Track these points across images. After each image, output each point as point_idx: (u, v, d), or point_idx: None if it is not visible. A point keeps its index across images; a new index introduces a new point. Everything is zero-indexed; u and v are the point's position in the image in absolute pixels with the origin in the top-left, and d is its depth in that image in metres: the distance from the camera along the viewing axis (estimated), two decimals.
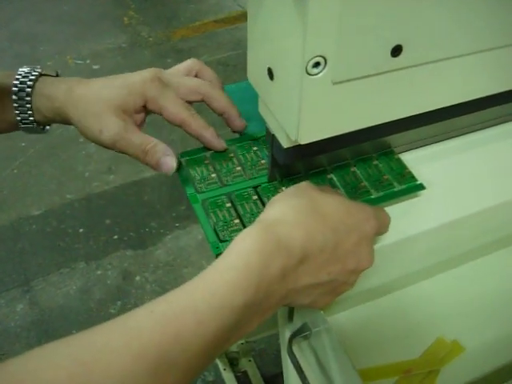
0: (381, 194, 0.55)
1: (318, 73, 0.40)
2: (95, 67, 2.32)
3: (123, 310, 1.45)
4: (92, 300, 1.49)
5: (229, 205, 0.53)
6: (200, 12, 2.66)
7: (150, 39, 2.48)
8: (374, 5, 0.38)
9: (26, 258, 1.61)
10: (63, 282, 1.55)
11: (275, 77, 0.44)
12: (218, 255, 0.48)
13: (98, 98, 0.55)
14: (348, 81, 0.42)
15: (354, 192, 0.55)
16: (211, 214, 0.52)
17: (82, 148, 1.92)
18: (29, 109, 0.58)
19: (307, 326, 0.53)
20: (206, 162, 0.57)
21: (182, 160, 0.57)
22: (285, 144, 0.47)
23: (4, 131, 0.62)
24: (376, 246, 0.50)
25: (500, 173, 0.60)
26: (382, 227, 0.49)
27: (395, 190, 0.55)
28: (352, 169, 0.57)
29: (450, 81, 0.47)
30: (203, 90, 0.58)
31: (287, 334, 0.58)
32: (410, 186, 0.56)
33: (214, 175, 0.56)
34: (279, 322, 0.60)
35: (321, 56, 0.39)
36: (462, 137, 0.63)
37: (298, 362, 0.53)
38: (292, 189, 0.47)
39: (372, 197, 0.55)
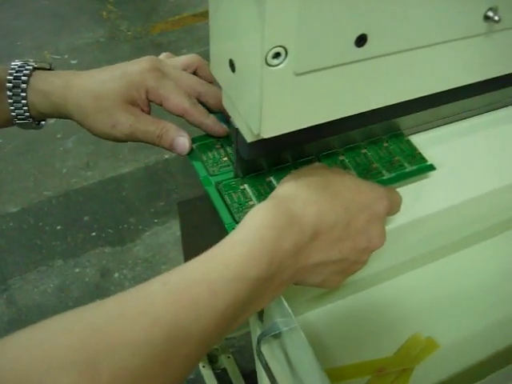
0: (392, 174, 0.56)
1: (279, 64, 0.38)
2: (73, 62, 2.28)
3: None
4: (70, 298, 1.47)
5: (243, 187, 0.53)
6: (179, 6, 2.62)
7: (129, 33, 2.45)
8: None
9: (2, 257, 1.58)
10: (41, 281, 1.52)
11: (237, 69, 0.42)
12: None
13: (103, 93, 0.55)
14: (311, 72, 0.40)
15: (366, 173, 0.55)
16: (225, 197, 0.52)
17: (60, 144, 1.89)
18: (24, 104, 0.57)
19: (276, 326, 0.51)
20: (217, 146, 0.57)
21: (194, 146, 0.57)
22: (248, 138, 0.45)
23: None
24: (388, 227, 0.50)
25: (509, 154, 0.61)
26: (394, 207, 0.49)
27: (406, 170, 0.56)
28: (363, 151, 0.57)
29: (417, 71, 0.46)
30: (201, 88, 0.58)
31: (258, 333, 0.57)
32: (421, 167, 0.57)
33: (225, 158, 0.56)
34: (250, 322, 0.59)
35: (281, 46, 0.37)
36: (470, 119, 0.64)
37: (266, 361, 0.51)
38: (304, 168, 0.48)
39: (384, 178, 0.55)
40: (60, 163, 1.84)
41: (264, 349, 0.54)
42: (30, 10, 2.62)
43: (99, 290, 1.46)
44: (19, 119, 0.58)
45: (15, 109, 0.57)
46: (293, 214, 0.41)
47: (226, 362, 1.21)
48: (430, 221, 0.55)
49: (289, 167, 0.54)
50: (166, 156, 1.81)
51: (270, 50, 0.37)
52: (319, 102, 0.43)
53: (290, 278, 0.42)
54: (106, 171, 1.79)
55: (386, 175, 0.55)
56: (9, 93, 0.56)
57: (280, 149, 0.52)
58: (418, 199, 0.55)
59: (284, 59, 0.38)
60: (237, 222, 0.50)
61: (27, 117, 0.58)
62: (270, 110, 0.41)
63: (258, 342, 0.52)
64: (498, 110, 0.65)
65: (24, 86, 0.56)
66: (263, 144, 0.46)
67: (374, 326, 0.60)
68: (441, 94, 0.50)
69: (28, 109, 0.57)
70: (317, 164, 0.51)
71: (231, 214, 0.51)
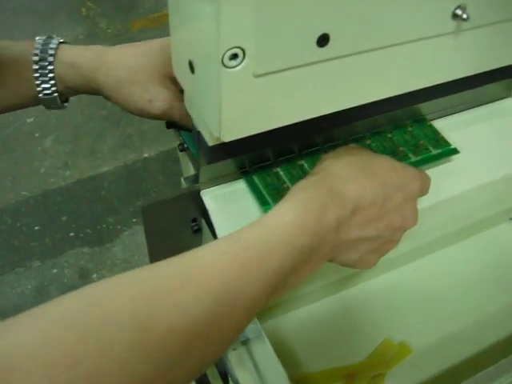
0: (419, 157, 0.57)
1: (237, 65, 0.37)
2: None
3: None
4: (48, 299, 1.43)
5: (276, 170, 0.53)
6: (159, 3, 2.59)
7: (109, 31, 2.42)
8: None
9: None
10: (18, 282, 1.50)
11: (195, 70, 0.40)
12: None
13: (139, 66, 0.54)
14: (271, 73, 0.38)
15: (393, 156, 0.56)
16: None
17: (38, 143, 1.86)
18: (51, 78, 0.56)
19: (244, 333, 0.50)
20: None
21: None
22: (209, 141, 0.44)
23: (20, 106, 0.59)
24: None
25: None
26: (425, 188, 0.49)
27: (432, 153, 0.58)
28: (389, 135, 0.59)
29: (383, 72, 0.44)
30: None
31: None
32: (446, 150, 0.58)
33: None
34: None
35: (238, 47, 0.36)
36: (489, 104, 0.66)
37: (231, 368, 0.50)
38: (341, 149, 0.50)
39: (411, 160, 0.56)
40: (38, 163, 1.82)
41: (232, 355, 0.53)
42: (6, 8, 2.58)
43: None
44: (45, 95, 0.56)
45: (41, 83, 0.55)
46: (335, 190, 0.42)
47: None
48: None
49: (318, 151, 0.55)
50: (146, 155, 1.79)
51: (227, 51, 0.35)
52: (281, 104, 0.41)
53: (329, 251, 0.43)
54: (84, 170, 1.77)
55: (413, 158, 0.57)
56: (35, 66, 0.55)
57: (238, 153, 0.50)
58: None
59: (242, 60, 0.36)
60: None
61: (53, 91, 0.56)
62: (229, 113, 0.39)
63: None
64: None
65: (51, 58, 0.55)
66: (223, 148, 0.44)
67: (345, 330, 0.59)
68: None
69: (55, 83, 0.56)
70: (351, 145, 0.53)
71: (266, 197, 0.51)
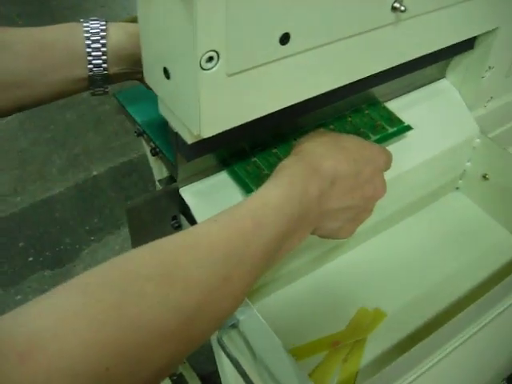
0: (378, 136, 0.63)
1: (212, 67, 0.41)
2: None
3: None
4: None
5: (254, 159, 0.58)
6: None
7: None
8: None
9: None
10: None
11: (172, 76, 0.44)
12: None
13: None
14: (241, 72, 0.43)
15: None
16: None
17: None
18: (104, 53, 0.56)
19: (233, 315, 0.54)
20: None
21: None
22: (189, 140, 0.48)
23: (71, 92, 0.59)
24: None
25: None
26: (389, 162, 0.55)
27: (389, 132, 0.64)
28: (349, 119, 0.65)
29: (337, 62, 0.49)
30: None
31: None
32: (400, 128, 0.65)
33: None
34: None
35: (213, 50, 0.40)
36: (426, 86, 0.73)
37: (229, 351, 0.54)
38: (312, 133, 0.55)
39: (371, 139, 0.63)
40: None
41: (224, 339, 0.56)
42: None
43: None
44: (95, 73, 0.57)
45: (93, 59, 0.56)
46: (314, 166, 0.48)
47: (182, 368, 1.23)
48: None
49: (289, 139, 0.60)
50: (95, 173, 1.80)
51: (204, 55, 0.39)
52: (253, 98, 0.46)
53: (315, 220, 0.48)
54: (35, 194, 1.76)
55: (373, 137, 0.63)
56: (87, 41, 0.55)
57: (216, 148, 0.54)
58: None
59: (217, 62, 0.41)
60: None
61: (105, 69, 0.57)
62: (207, 111, 0.43)
63: (218, 333, 0.55)
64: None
65: (104, 33, 0.55)
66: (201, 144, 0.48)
67: (325, 304, 0.64)
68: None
69: (106, 58, 0.56)
70: (321, 129, 0.58)
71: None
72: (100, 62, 0.57)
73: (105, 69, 0.57)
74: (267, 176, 0.52)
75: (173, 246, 0.40)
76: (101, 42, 0.56)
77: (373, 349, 0.60)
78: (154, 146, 0.60)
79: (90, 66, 0.56)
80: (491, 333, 0.56)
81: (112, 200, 1.75)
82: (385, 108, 0.67)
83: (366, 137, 0.62)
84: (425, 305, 0.64)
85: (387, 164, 0.54)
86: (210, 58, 0.40)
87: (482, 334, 0.53)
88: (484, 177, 0.74)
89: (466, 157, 0.74)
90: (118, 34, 0.57)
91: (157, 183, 0.61)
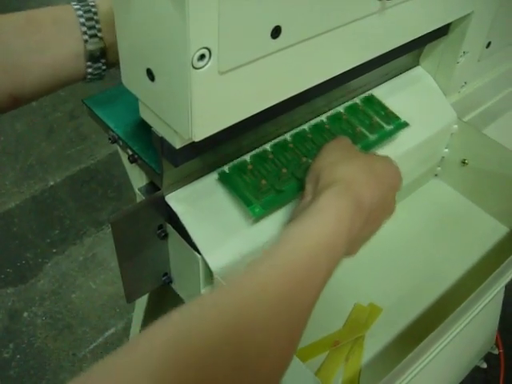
0: (376, 136, 0.62)
1: (204, 65, 0.38)
2: None
3: (18, 351, 1.35)
4: None
5: (251, 167, 0.56)
6: None
7: None
8: None
9: None
10: None
11: (157, 77, 0.42)
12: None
13: None
14: (234, 69, 0.41)
15: (353, 138, 0.60)
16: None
17: None
18: (99, 30, 0.53)
19: None
20: None
21: None
22: (177, 144, 0.45)
23: (69, 76, 0.55)
24: None
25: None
26: (401, 184, 0.55)
27: (387, 130, 0.63)
28: (344, 117, 0.62)
29: (328, 53, 0.48)
30: None
31: None
32: (397, 125, 0.64)
33: None
34: None
35: (205, 48, 0.37)
36: (402, 74, 0.72)
37: None
38: (336, 144, 0.55)
39: (370, 140, 0.61)
40: None
41: None
42: None
43: (11, 334, 1.38)
44: (91, 47, 0.53)
45: (87, 30, 0.52)
46: (358, 198, 0.47)
47: None
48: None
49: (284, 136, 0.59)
50: (51, 183, 1.74)
51: (196, 53, 0.37)
52: (245, 96, 0.43)
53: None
54: None
55: (371, 137, 0.62)
56: (78, 12, 0.52)
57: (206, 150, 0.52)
58: None
59: (208, 60, 0.38)
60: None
61: (100, 38, 0.53)
62: (199, 112, 0.41)
63: None
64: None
65: (93, 3, 0.52)
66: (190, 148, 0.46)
67: (317, 304, 0.62)
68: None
69: (100, 27, 0.53)
70: (342, 137, 0.57)
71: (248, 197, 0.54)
72: (94, 31, 0.53)
73: (100, 38, 0.53)
74: (265, 186, 0.52)
75: (239, 296, 0.39)
76: (92, 10, 0.53)
77: (372, 345, 0.59)
78: (131, 152, 0.57)
79: (85, 37, 0.53)
80: (477, 322, 0.56)
81: (72, 210, 1.70)
82: (379, 102, 0.65)
83: (363, 137, 0.61)
84: (418, 295, 0.63)
85: (400, 186, 0.55)
86: (202, 56, 0.38)
87: (470, 326, 0.53)
88: (463, 162, 0.74)
89: (444, 143, 0.74)
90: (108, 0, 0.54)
91: (137, 191, 0.58)
